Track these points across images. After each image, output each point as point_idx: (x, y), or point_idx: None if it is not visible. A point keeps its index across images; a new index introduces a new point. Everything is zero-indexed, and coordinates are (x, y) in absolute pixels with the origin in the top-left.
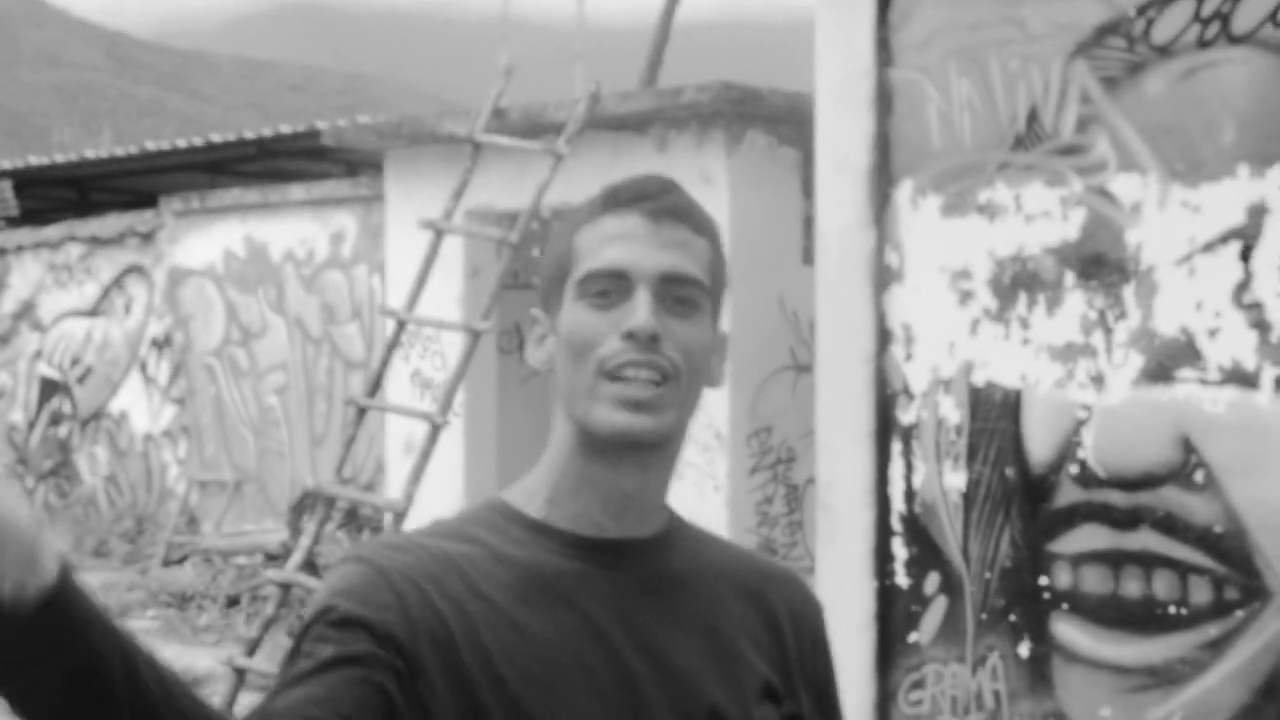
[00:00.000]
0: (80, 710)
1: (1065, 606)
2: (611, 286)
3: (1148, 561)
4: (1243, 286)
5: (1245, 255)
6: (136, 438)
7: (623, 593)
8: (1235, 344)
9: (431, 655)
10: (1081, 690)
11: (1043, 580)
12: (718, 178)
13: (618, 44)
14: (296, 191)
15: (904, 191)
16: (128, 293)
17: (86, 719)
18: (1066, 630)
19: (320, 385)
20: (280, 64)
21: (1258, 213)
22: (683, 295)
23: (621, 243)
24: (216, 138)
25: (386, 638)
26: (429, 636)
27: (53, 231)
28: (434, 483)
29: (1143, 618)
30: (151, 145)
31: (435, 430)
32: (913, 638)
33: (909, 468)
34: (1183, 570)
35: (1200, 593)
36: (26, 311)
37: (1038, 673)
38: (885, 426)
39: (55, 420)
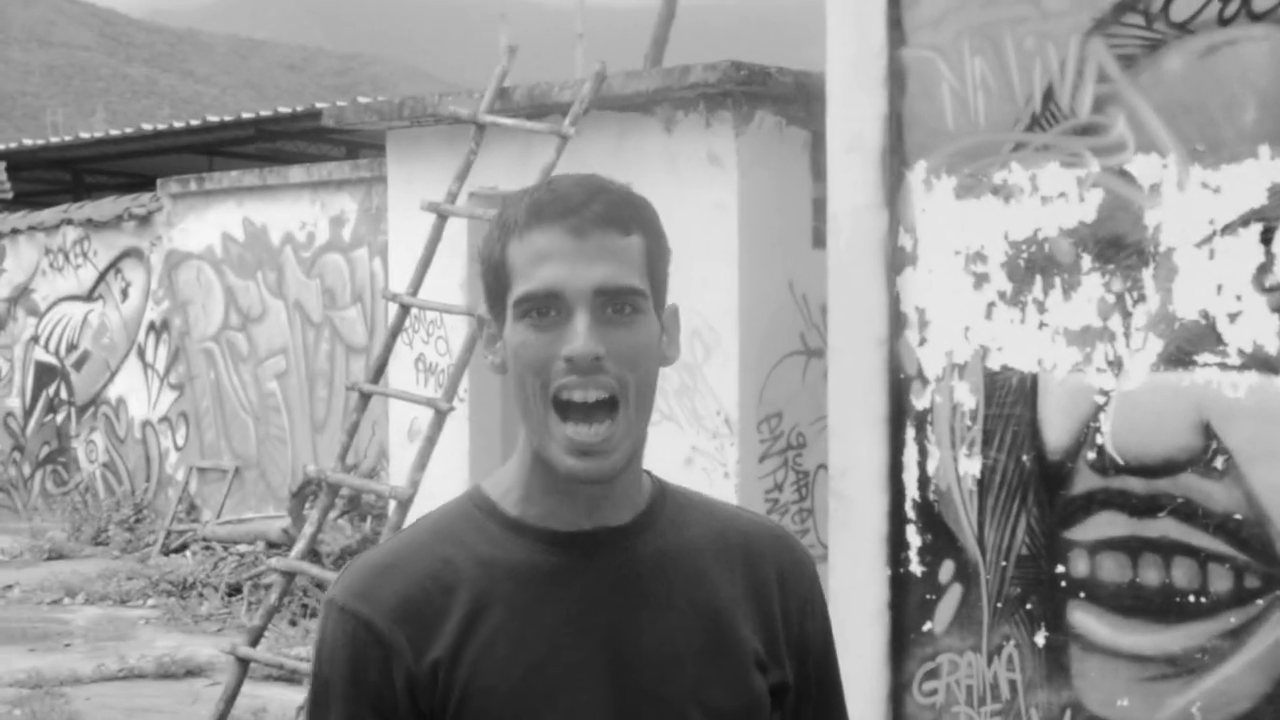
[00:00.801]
0: None
1: (1082, 595)
2: (549, 306)
3: (1167, 549)
4: (1264, 269)
5: (1266, 237)
6: (135, 424)
7: (601, 584)
8: (1256, 328)
9: (424, 684)
10: (1099, 680)
11: (1059, 568)
12: (726, 159)
13: (617, 23)
14: (296, 173)
15: (917, 173)
16: (125, 276)
17: None
18: (1084, 619)
19: (321, 370)
20: (275, 44)
21: (1279, 194)
22: (620, 304)
23: (551, 263)
24: (214, 119)
25: (383, 701)
26: (419, 671)
27: (48, 214)
28: (439, 469)
29: (1161, 606)
30: (148, 126)
31: (441, 416)
32: (927, 627)
33: (923, 454)
34: (1202, 558)
35: (1220, 581)
36: (22, 296)
37: (1055, 662)
38: (899, 412)
39: (52, 407)
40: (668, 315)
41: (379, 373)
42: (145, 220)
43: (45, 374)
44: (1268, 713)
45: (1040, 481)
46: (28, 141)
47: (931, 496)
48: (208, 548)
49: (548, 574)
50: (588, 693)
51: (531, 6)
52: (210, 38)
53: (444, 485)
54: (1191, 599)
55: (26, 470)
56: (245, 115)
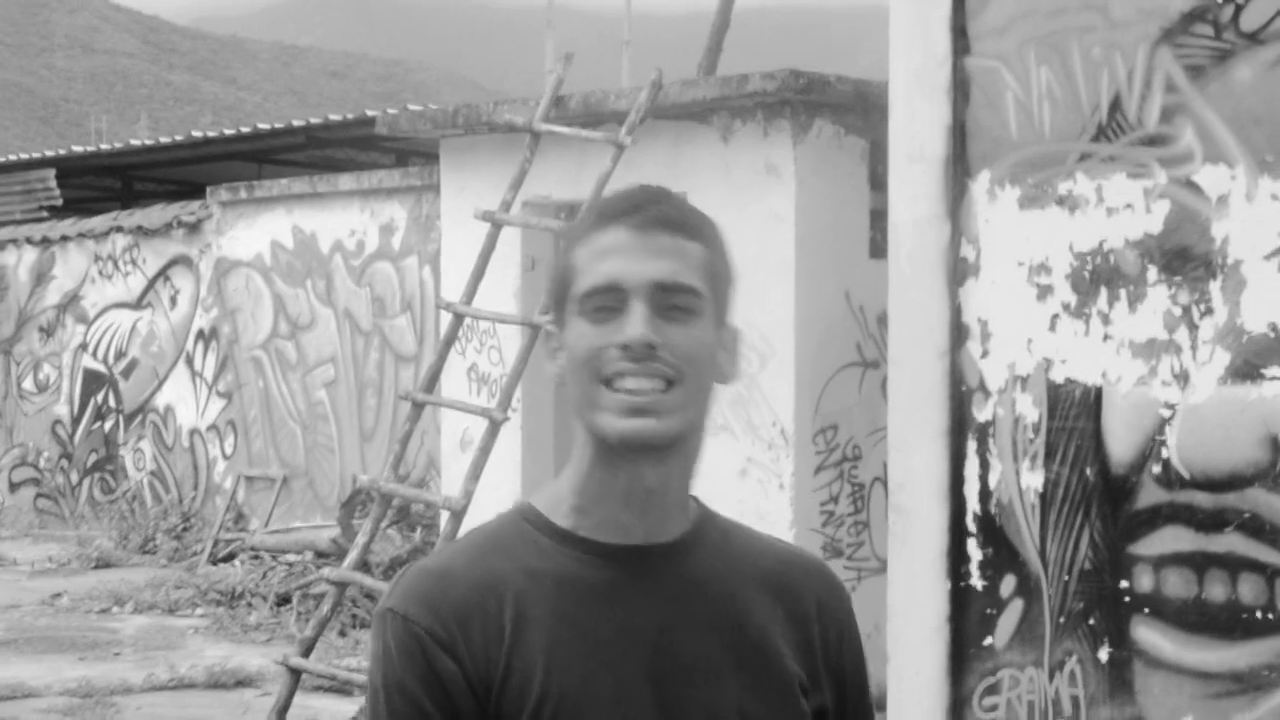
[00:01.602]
0: None
1: (1147, 610)
2: (608, 300)
3: (1233, 565)
4: None
5: None
6: (183, 432)
7: (650, 600)
8: None
9: (487, 688)
10: (1163, 697)
11: (1123, 583)
12: (784, 168)
13: (664, 31)
14: (346, 181)
15: (981, 183)
16: (174, 284)
17: None
18: (1148, 635)
19: (370, 379)
20: (319, 50)
21: None
22: (678, 303)
23: (613, 257)
24: (265, 126)
25: (451, 704)
26: (471, 682)
27: (98, 221)
28: (490, 479)
29: (1227, 622)
30: (198, 134)
31: (495, 426)
32: (988, 641)
33: (984, 467)
34: (1269, 574)
35: None
36: (71, 303)
37: (1118, 678)
38: (960, 424)
39: (100, 414)
40: (728, 334)
41: (432, 382)
42: (194, 228)
43: (93, 381)
44: None
45: (1104, 495)
46: (77, 149)
47: (993, 510)
48: (256, 557)
49: (597, 587)
50: (637, 704)
51: (576, 13)
52: (254, 44)
53: (495, 495)
54: (1259, 615)
55: (74, 478)
56: (296, 123)
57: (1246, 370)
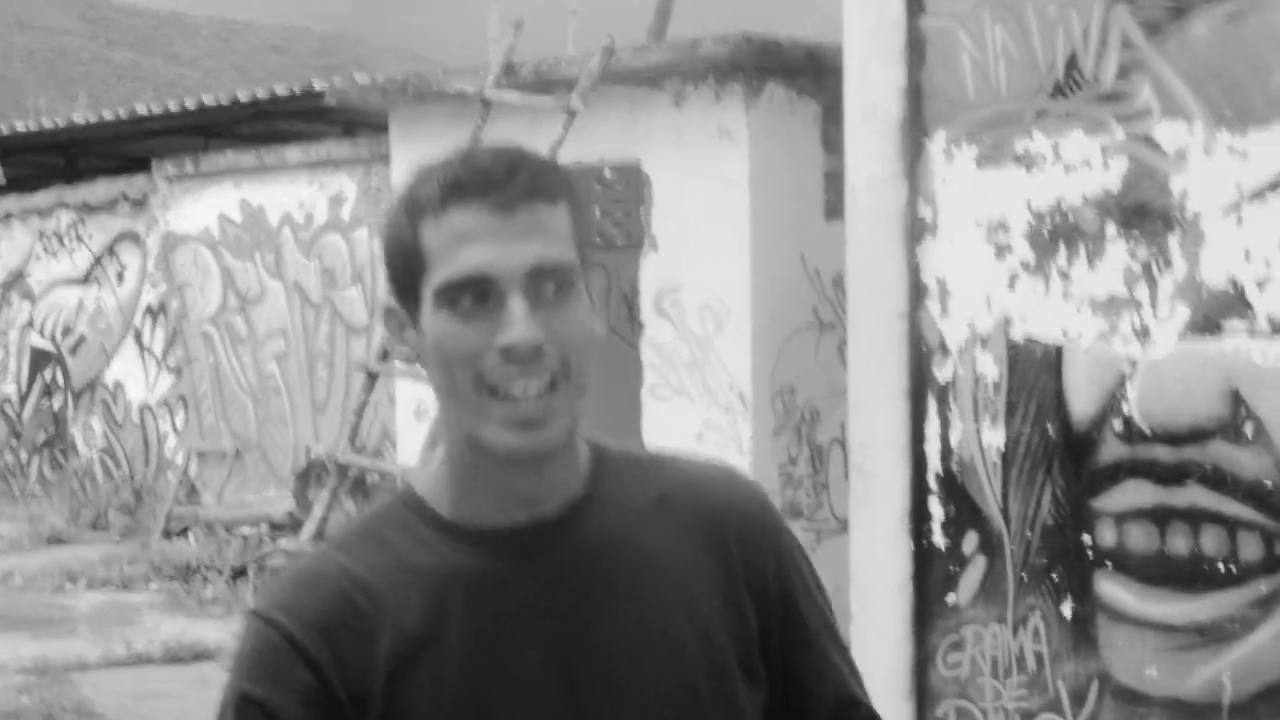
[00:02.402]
0: None
1: (1109, 565)
2: (477, 293)
3: (1195, 518)
4: None
5: None
6: (133, 408)
7: (539, 581)
8: None
9: (352, 706)
10: (1127, 650)
11: (1086, 538)
12: (737, 132)
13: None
14: (293, 154)
15: (937, 143)
16: (120, 260)
17: None
18: (1111, 589)
19: (321, 351)
20: (258, 25)
21: None
22: (556, 283)
23: (477, 244)
24: (209, 100)
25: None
26: (335, 698)
27: (42, 198)
28: None
29: (1190, 575)
30: (141, 109)
31: None
32: (951, 599)
33: (945, 425)
34: (1231, 526)
35: (1250, 549)
36: (16, 280)
37: (1081, 633)
38: (920, 384)
39: (48, 391)
40: (593, 289)
41: (386, 353)
42: (140, 203)
43: (41, 359)
44: None
45: (1066, 452)
46: (19, 126)
47: (954, 469)
48: (210, 531)
49: (484, 580)
50: (543, 705)
51: None
52: (194, 20)
53: None
54: (1220, 567)
55: (24, 456)
56: (242, 96)
57: (1206, 325)
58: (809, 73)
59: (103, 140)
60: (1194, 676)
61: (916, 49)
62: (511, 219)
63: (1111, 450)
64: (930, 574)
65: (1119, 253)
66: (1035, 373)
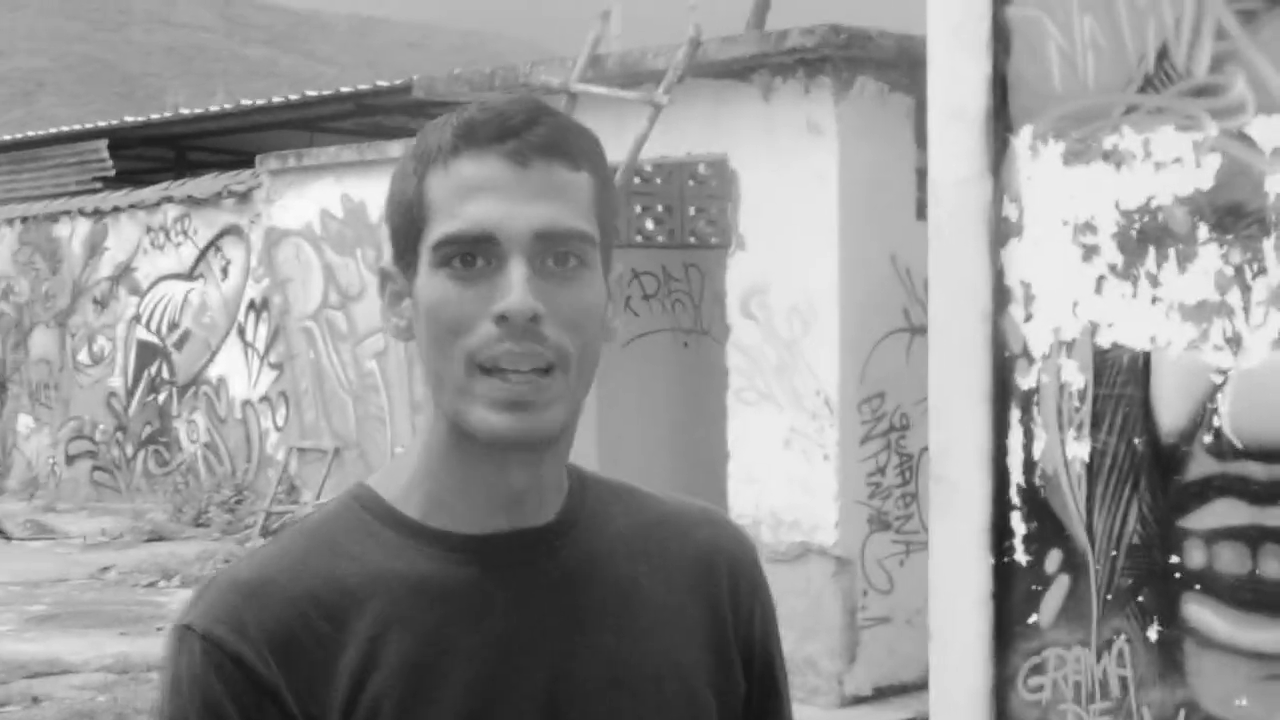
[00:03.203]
0: None
1: (1198, 587)
2: (476, 252)
3: None
4: None
5: None
6: (235, 404)
7: (521, 598)
8: None
9: None
10: (1216, 678)
11: (1174, 559)
12: (826, 127)
13: None
14: (394, 148)
15: (1023, 138)
16: (225, 254)
17: None
18: (1200, 613)
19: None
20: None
21: None
22: (564, 252)
23: (483, 197)
24: (312, 93)
25: None
26: (305, 718)
27: (149, 192)
28: None
29: None
30: (247, 102)
31: None
32: (1032, 619)
33: (1028, 436)
34: None
35: None
36: (124, 275)
37: (1168, 658)
38: (1003, 392)
39: (154, 386)
40: (614, 280)
41: None
42: (244, 197)
43: (147, 353)
44: None
45: (1153, 466)
46: (129, 119)
47: (1037, 481)
48: None
49: (459, 591)
50: None
51: None
52: (331, 17)
53: None
54: None
55: (129, 450)
56: (344, 89)
57: None
58: (901, 66)
59: (211, 134)
60: None
61: (1002, 40)
62: (525, 174)
63: (1201, 465)
64: (1011, 592)
65: (1211, 256)
66: (1122, 381)
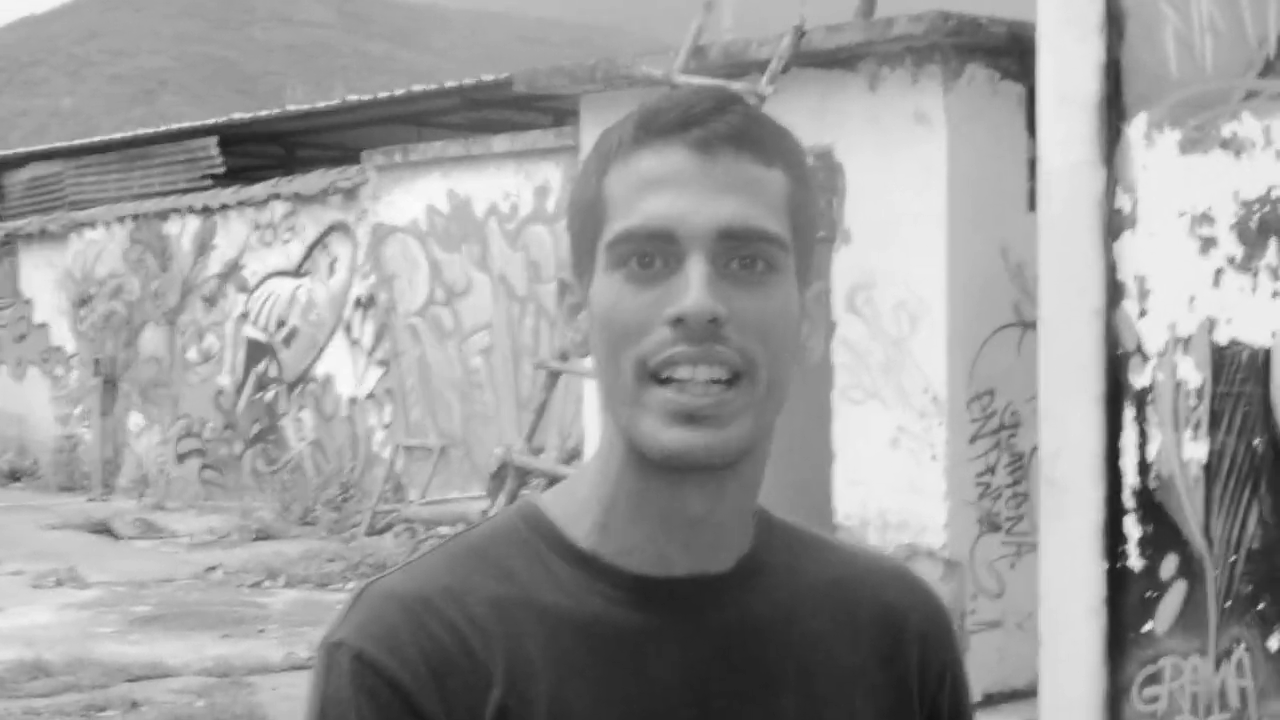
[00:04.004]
0: None
1: None
2: (654, 251)
3: None
4: None
5: None
6: (342, 401)
7: (696, 652)
8: None
9: None
10: None
11: None
12: (934, 117)
13: None
14: (500, 143)
15: (1137, 126)
16: (331, 251)
17: None
18: None
19: (526, 346)
20: (512, 16)
21: None
22: (750, 255)
23: (663, 190)
24: (418, 88)
25: None
26: None
27: (258, 189)
28: None
29: None
30: (353, 97)
31: None
32: (1148, 626)
33: (1143, 436)
34: None
35: None
36: (232, 272)
37: None
38: (1116, 390)
39: (262, 384)
40: (814, 296)
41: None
42: (351, 194)
43: (255, 351)
44: None
45: (1274, 468)
46: (238, 115)
47: (1152, 484)
48: (410, 529)
49: (626, 636)
50: None
51: None
52: (448, 12)
53: None
54: None
55: (238, 448)
56: (449, 84)
57: None
58: (1012, 53)
59: (319, 130)
60: None
61: (1115, 23)
62: (710, 165)
63: None
64: (1126, 599)
65: None
66: (1241, 379)
